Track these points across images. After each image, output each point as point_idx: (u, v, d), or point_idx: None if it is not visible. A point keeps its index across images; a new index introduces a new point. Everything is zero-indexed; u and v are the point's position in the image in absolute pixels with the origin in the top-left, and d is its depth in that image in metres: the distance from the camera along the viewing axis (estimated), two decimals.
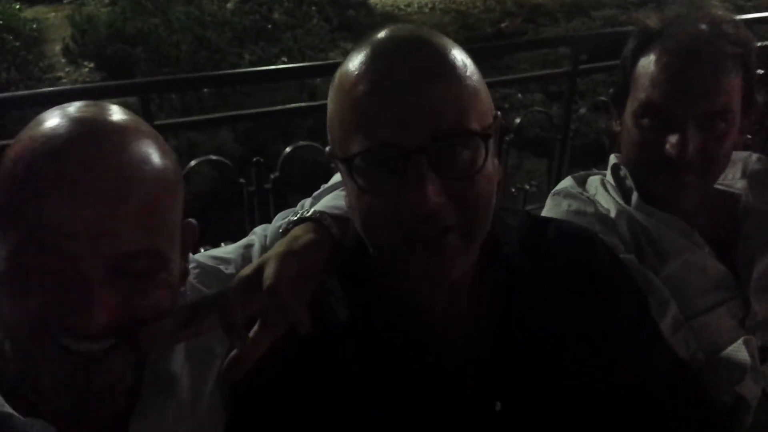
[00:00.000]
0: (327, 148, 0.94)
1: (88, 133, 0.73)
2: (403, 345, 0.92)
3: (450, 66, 0.84)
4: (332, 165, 0.99)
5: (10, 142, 0.75)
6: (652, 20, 1.31)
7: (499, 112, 0.92)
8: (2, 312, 0.73)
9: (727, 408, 1.15)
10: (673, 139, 1.21)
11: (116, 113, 0.77)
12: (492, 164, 0.88)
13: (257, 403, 0.93)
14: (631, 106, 1.29)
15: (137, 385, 0.86)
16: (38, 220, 0.68)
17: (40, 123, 0.74)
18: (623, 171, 1.38)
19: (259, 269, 0.87)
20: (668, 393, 1.01)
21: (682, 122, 1.21)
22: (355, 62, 0.86)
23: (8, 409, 0.73)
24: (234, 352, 0.87)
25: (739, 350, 1.19)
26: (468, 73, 0.85)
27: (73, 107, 0.76)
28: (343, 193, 1.01)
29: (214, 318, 0.81)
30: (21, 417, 0.73)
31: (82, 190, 0.70)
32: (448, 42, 0.88)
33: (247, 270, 0.88)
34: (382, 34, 0.88)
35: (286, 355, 0.89)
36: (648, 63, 1.26)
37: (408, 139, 0.80)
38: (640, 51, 1.29)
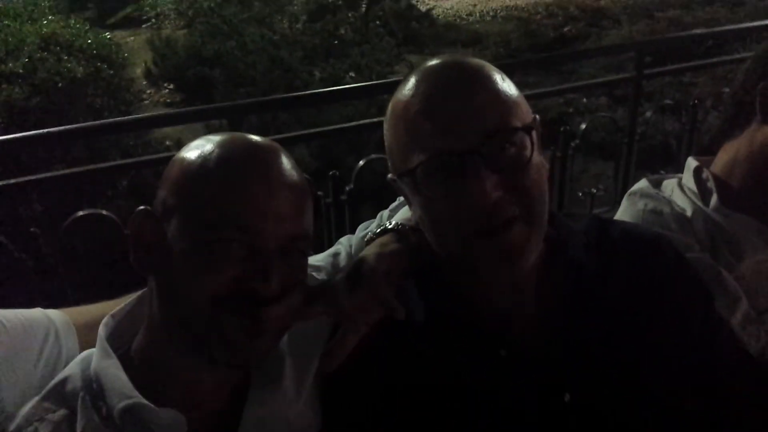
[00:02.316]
0: (389, 176, 1.05)
1: (271, 146, 0.96)
2: (477, 340, 1.01)
3: (488, 77, 0.96)
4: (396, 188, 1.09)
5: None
6: None
7: (537, 116, 1.02)
8: (180, 287, 0.88)
9: None
10: None
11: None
12: (539, 157, 0.97)
13: (348, 393, 1.03)
14: None
15: (246, 378, 1.00)
16: (240, 205, 0.88)
17: (222, 142, 0.93)
18: (705, 174, 1.41)
19: (358, 266, 1.01)
20: (735, 385, 1.05)
21: None
22: (403, 91, 0.98)
23: (142, 399, 0.87)
24: (329, 345, 1.01)
25: None
26: (505, 85, 0.97)
27: (226, 135, 0.96)
28: None
29: (321, 305, 0.96)
30: (153, 406, 0.87)
31: (275, 185, 0.90)
32: (484, 63, 1.00)
33: (347, 267, 1.03)
34: (423, 66, 1.00)
35: (372, 350, 1.01)
36: None
37: (460, 144, 0.91)
38: None
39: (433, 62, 1.00)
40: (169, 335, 0.93)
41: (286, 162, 0.94)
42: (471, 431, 0.99)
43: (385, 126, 1.03)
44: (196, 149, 0.93)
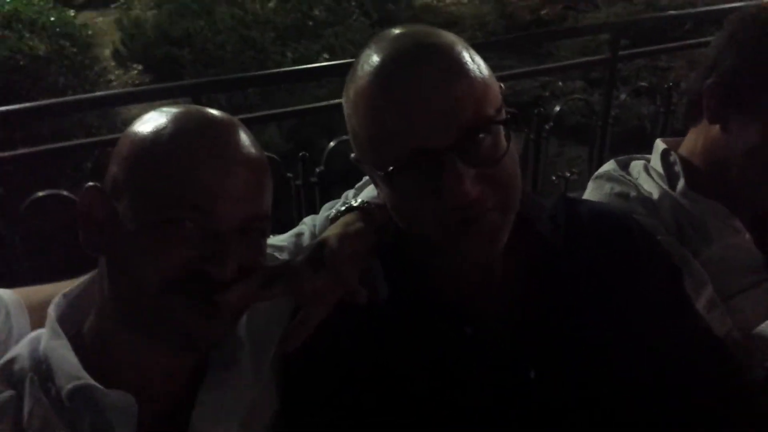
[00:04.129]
0: (352, 155, 1.00)
1: (228, 121, 0.92)
2: (443, 317, 0.99)
3: (459, 64, 0.89)
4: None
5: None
6: None
7: (502, 84, 0.97)
8: (131, 268, 0.84)
9: (758, 382, 1.18)
10: None
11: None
12: (515, 143, 0.94)
13: (307, 374, 1.01)
14: None
15: (203, 361, 0.97)
16: (193, 184, 0.83)
17: (176, 116, 0.88)
18: (673, 157, 1.39)
19: (320, 247, 0.98)
20: (701, 365, 1.05)
21: None
22: (368, 76, 0.90)
23: (91, 380, 0.84)
24: (290, 325, 0.98)
25: None
26: (476, 66, 0.91)
27: (181, 108, 0.91)
28: None
29: (282, 285, 0.93)
30: (102, 388, 0.84)
31: (230, 163, 0.86)
32: (453, 39, 0.93)
33: (309, 248, 1.00)
34: (387, 44, 0.92)
35: (333, 329, 0.98)
36: None
37: (437, 142, 0.86)
38: None
39: (396, 37, 0.93)
40: (120, 317, 0.89)
41: (244, 137, 0.90)
42: (435, 409, 0.97)
43: (347, 105, 0.96)
44: (149, 123, 0.88)
